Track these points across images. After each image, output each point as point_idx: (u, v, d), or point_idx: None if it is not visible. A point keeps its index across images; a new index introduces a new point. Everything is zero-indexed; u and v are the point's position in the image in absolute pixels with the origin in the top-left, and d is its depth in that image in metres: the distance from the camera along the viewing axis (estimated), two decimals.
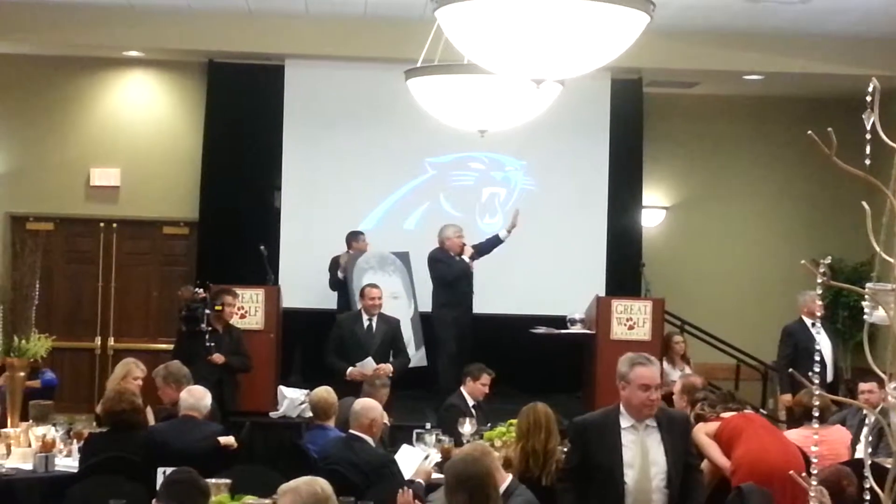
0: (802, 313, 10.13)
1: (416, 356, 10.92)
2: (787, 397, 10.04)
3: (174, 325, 10.56)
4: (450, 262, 10.53)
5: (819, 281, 2.89)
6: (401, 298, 11.19)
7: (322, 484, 4.15)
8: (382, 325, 9.78)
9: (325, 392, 7.54)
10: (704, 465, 6.84)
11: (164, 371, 7.96)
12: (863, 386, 7.93)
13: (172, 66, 12.61)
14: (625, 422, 5.19)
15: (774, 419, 9.66)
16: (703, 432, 6.83)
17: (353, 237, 11.23)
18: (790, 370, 10.04)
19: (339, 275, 10.96)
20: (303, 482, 4.15)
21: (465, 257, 10.54)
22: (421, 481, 6.57)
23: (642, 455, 5.10)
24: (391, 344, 9.73)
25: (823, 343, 9.82)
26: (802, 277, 9.43)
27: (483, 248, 10.81)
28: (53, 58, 12.37)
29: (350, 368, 9.37)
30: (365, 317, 9.79)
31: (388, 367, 9.36)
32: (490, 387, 8.72)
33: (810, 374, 2.80)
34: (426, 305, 11.03)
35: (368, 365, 9.28)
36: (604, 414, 5.35)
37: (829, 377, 9.02)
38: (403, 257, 11.37)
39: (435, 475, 6.73)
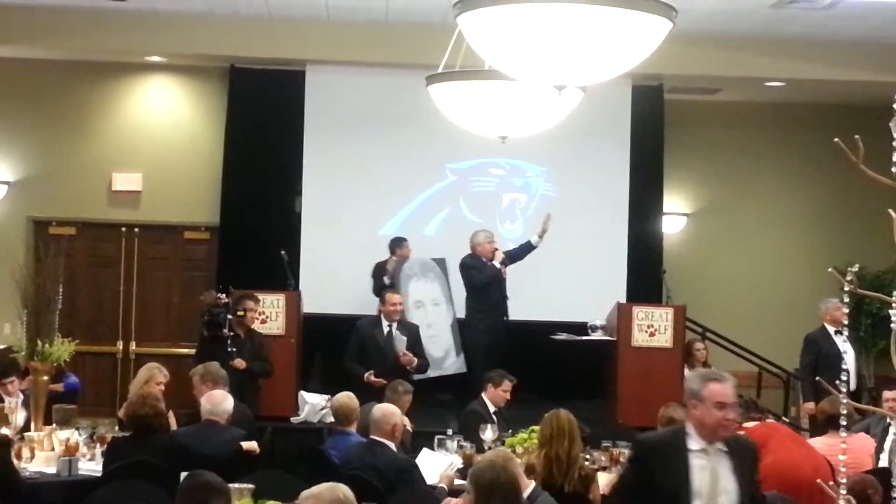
0: (825, 321, 10.08)
1: (457, 363, 10.92)
2: (811, 405, 9.99)
3: (195, 330, 10.58)
4: (481, 268, 10.53)
5: (846, 289, 2.87)
6: (441, 305, 11.22)
7: (344, 490, 4.13)
8: (403, 332, 9.79)
9: (347, 398, 7.54)
10: None
11: (203, 370, 8.02)
12: (887, 394, 7.87)
13: (194, 71, 12.66)
14: (694, 444, 4.65)
15: (797, 427, 9.61)
16: None
17: (397, 244, 11.21)
18: (817, 378, 10.02)
19: (386, 281, 10.95)
20: (325, 488, 4.13)
21: (497, 262, 10.53)
22: (444, 486, 6.58)
23: (712, 482, 4.62)
24: (412, 351, 9.75)
25: (847, 351, 9.78)
26: (824, 285, 9.35)
27: (515, 255, 10.78)
28: (76, 63, 12.44)
29: (367, 374, 9.38)
30: (385, 323, 9.80)
31: (412, 358, 9.50)
32: (511, 393, 8.71)
33: (837, 382, 2.79)
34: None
35: (399, 342, 9.31)
36: (672, 434, 4.86)
37: (853, 385, 8.99)
38: (441, 263, 11.38)
39: (457, 481, 6.73)
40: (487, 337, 10.53)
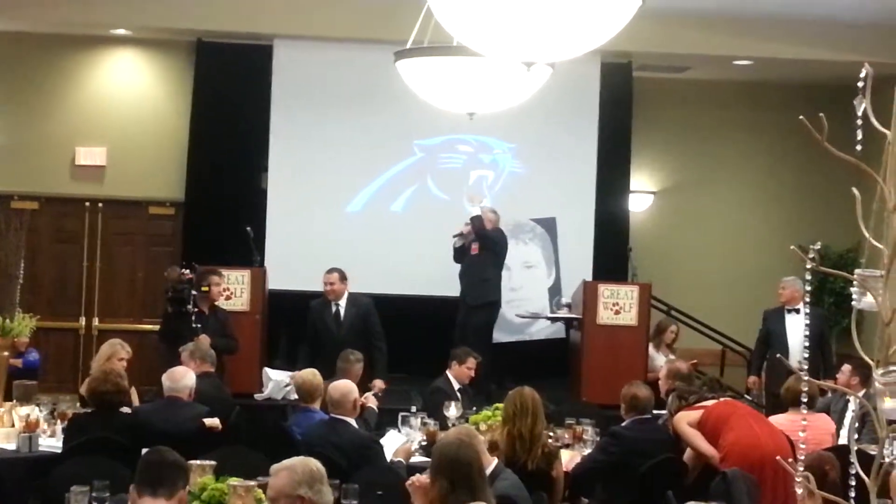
0: (779, 300, 10.21)
1: (550, 329, 10.78)
2: (753, 379, 10.35)
3: (160, 306, 10.51)
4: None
5: (808, 266, 2.87)
6: (536, 267, 11.13)
7: (316, 464, 4.19)
8: (352, 309, 9.64)
9: (311, 375, 7.52)
10: (688, 453, 6.86)
11: (193, 346, 8.13)
12: (844, 367, 8.03)
13: (160, 44, 12.54)
14: None
15: (757, 405, 9.68)
16: (685, 421, 6.83)
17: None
18: (765, 355, 10.15)
19: (456, 243, 10.68)
20: (298, 461, 4.18)
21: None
22: (401, 460, 6.59)
23: None
24: (363, 329, 9.56)
25: (790, 329, 9.91)
26: (789, 263, 9.44)
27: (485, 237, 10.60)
28: (39, 35, 12.28)
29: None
30: (332, 302, 9.69)
31: (379, 384, 9.13)
32: (475, 370, 8.72)
33: (777, 357, 2.79)
34: (572, 275, 11.13)
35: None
36: None
37: (795, 362, 9.07)
38: (548, 223, 11.28)
39: (419, 458, 6.74)
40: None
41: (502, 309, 10.89)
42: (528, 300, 11.23)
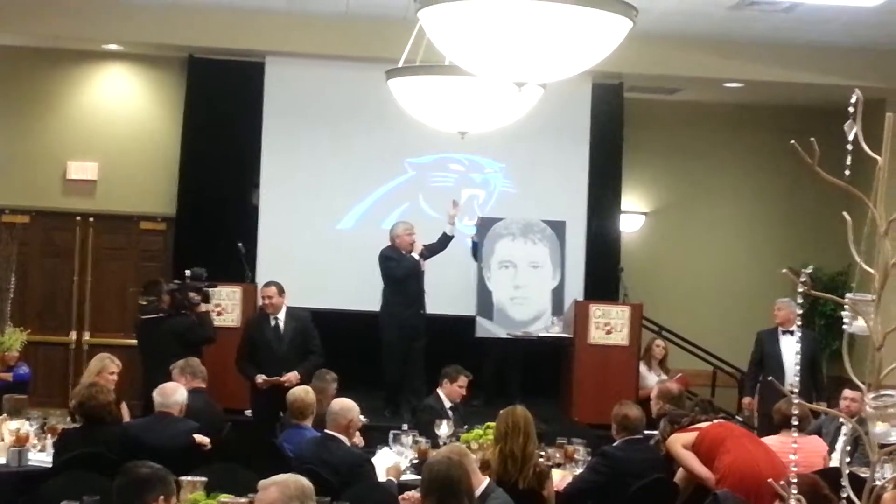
0: (774, 321, 10.23)
1: (552, 328, 10.94)
2: (747, 400, 10.34)
3: None
4: (399, 260, 10.39)
5: (799, 290, 2.89)
6: (542, 268, 11.17)
7: (306, 481, 4.20)
8: (291, 323, 9.51)
9: (304, 392, 7.52)
10: (679, 474, 6.86)
11: (184, 363, 8.13)
12: (847, 393, 7.94)
13: (152, 60, 12.55)
14: None
15: (749, 426, 9.69)
16: (679, 443, 6.82)
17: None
18: (759, 377, 10.17)
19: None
20: (289, 477, 4.20)
21: (415, 255, 10.43)
22: (392, 479, 6.58)
23: None
24: (302, 343, 9.46)
25: (785, 350, 9.93)
26: (780, 285, 9.46)
27: (434, 248, 10.62)
28: (31, 49, 12.29)
29: (258, 378, 9.22)
30: (272, 316, 9.53)
31: (294, 376, 9.05)
32: (467, 389, 8.72)
33: (769, 379, 2.81)
34: (573, 280, 11.26)
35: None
36: None
37: (787, 384, 9.08)
38: (558, 226, 11.32)
39: (410, 476, 6.73)
40: (401, 330, 10.37)
41: (504, 304, 10.95)
42: (529, 299, 11.26)
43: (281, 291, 9.54)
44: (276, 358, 9.31)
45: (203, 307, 9.46)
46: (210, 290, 9.62)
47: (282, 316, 9.51)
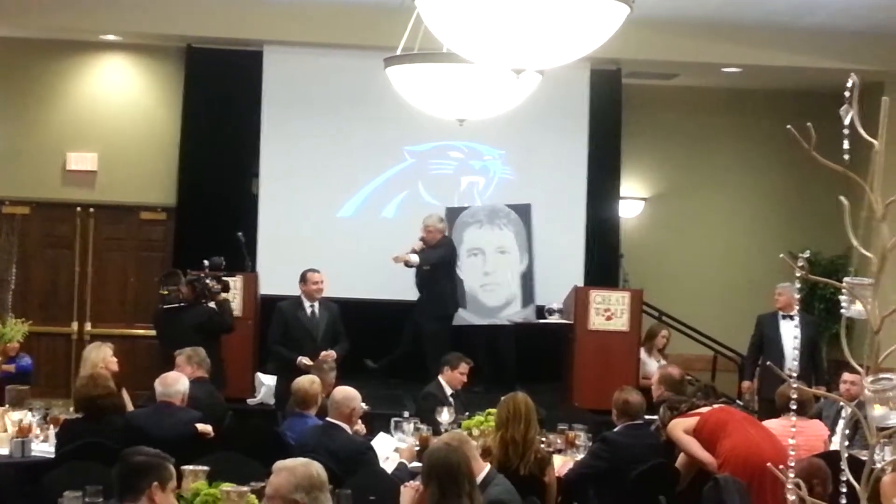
0: (775, 305, 10.25)
1: (522, 313, 11.00)
2: (747, 384, 10.40)
3: (151, 311, 10.53)
4: None
5: (797, 274, 2.90)
6: (509, 253, 11.21)
7: (318, 469, 4.11)
8: (325, 312, 9.74)
9: (309, 382, 7.52)
10: (681, 459, 6.88)
11: (192, 351, 8.14)
12: (846, 376, 7.97)
13: (150, 50, 12.54)
14: None
15: (750, 410, 9.72)
16: (680, 429, 6.84)
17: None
18: (759, 361, 10.21)
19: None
20: (300, 462, 4.12)
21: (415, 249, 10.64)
22: (405, 461, 6.61)
23: None
24: (335, 329, 9.70)
25: (785, 334, 9.95)
26: (780, 270, 9.46)
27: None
28: (30, 41, 12.27)
29: (299, 358, 9.31)
30: (307, 303, 9.74)
31: (332, 354, 9.29)
32: (468, 376, 8.74)
33: (768, 364, 2.82)
34: (543, 262, 11.28)
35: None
36: None
37: (786, 368, 9.11)
38: (522, 210, 11.35)
39: (413, 464, 6.75)
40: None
41: (475, 291, 11.10)
42: (499, 285, 11.32)
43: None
44: (314, 342, 9.50)
45: (222, 296, 9.50)
46: (228, 279, 9.66)
47: (316, 304, 9.72)
